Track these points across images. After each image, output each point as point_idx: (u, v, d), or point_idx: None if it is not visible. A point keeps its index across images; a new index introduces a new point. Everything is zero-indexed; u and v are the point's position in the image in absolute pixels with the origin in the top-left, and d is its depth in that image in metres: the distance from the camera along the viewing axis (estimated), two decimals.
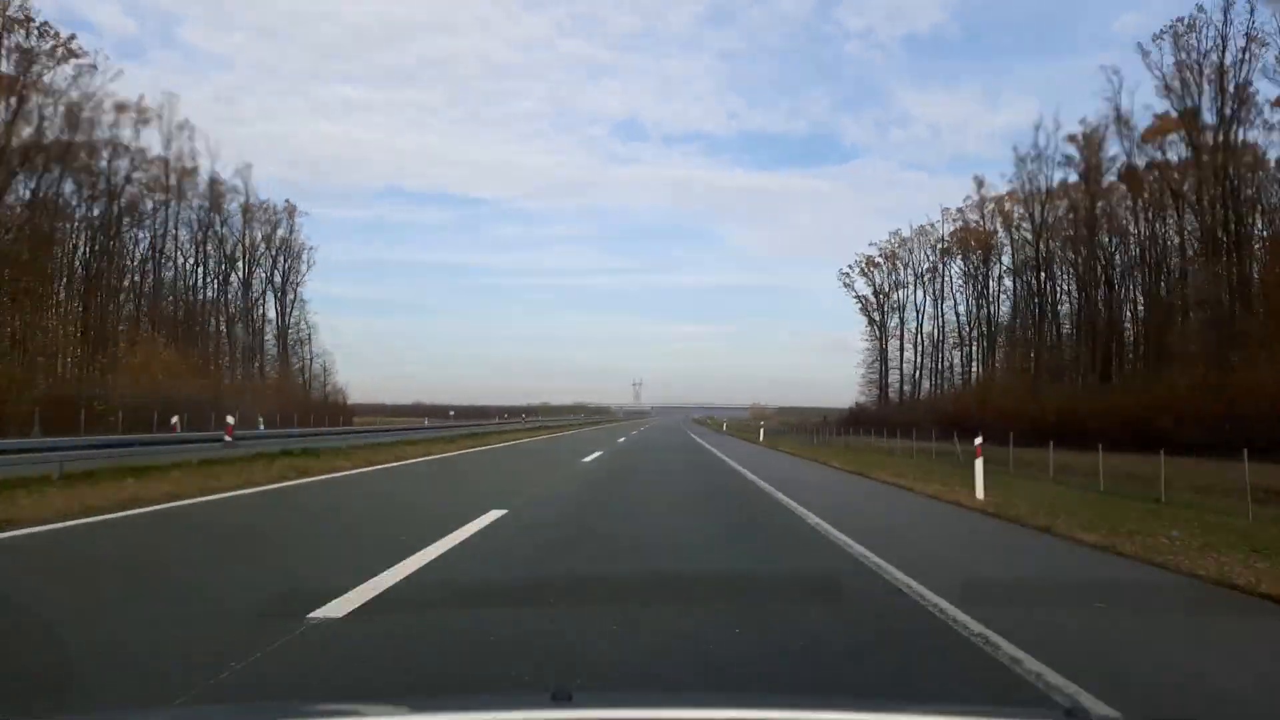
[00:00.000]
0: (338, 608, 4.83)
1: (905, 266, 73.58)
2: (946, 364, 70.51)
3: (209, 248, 53.02)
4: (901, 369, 74.81)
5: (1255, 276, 39.22)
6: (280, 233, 58.66)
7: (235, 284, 55.40)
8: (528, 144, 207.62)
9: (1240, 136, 40.24)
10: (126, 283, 47.28)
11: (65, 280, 41.60)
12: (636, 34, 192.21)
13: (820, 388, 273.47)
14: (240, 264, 55.54)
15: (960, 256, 67.20)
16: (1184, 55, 40.65)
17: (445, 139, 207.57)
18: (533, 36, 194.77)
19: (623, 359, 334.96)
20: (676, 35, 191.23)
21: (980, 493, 13.13)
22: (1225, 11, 39.26)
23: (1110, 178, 48.71)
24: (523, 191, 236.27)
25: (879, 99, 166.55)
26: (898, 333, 74.56)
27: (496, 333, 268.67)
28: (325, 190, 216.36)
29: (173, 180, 48.07)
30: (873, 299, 76.59)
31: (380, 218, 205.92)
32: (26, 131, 35.77)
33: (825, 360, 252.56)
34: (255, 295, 57.11)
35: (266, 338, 58.23)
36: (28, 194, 37.82)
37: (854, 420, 60.67)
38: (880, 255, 75.39)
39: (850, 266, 77.38)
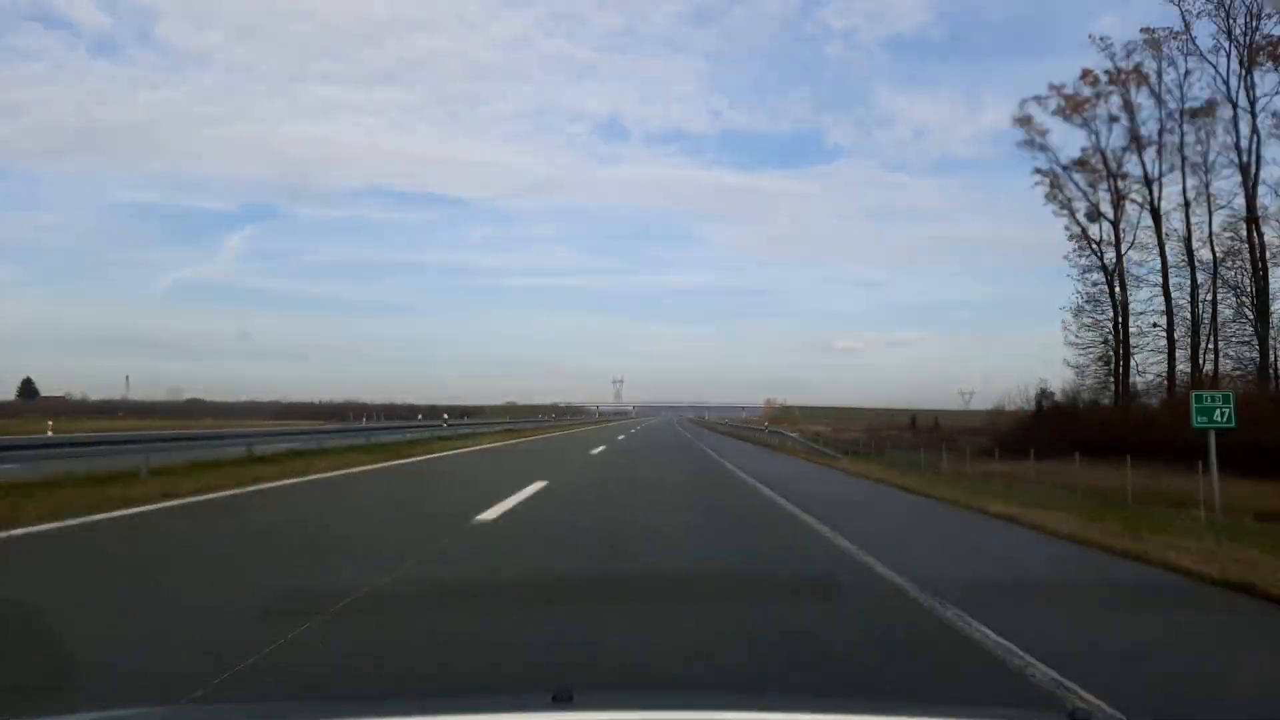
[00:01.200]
0: None
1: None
2: None
3: None
4: (1207, 321, 34.10)
5: None
6: None
7: None
8: (509, 144, 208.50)
9: None
10: None
11: None
12: (619, 33, 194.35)
13: (804, 387, 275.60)
14: None
15: None
16: None
17: (426, 139, 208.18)
18: (514, 36, 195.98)
19: (605, 359, 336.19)
20: (659, 35, 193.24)
21: None
22: None
23: None
24: (504, 191, 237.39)
25: (862, 99, 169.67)
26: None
27: (476, 333, 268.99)
28: (305, 190, 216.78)
29: None
30: (1081, 183, 38.17)
31: (360, 218, 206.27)
32: None
33: (808, 360, 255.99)
34: None
35: None
36: None
37: (1045, 429, 31.14)
38: (1113, 71, 36.09)
39: (1043, 97, 39.28)
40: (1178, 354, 35.15)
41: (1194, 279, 34.91)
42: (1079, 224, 39.08)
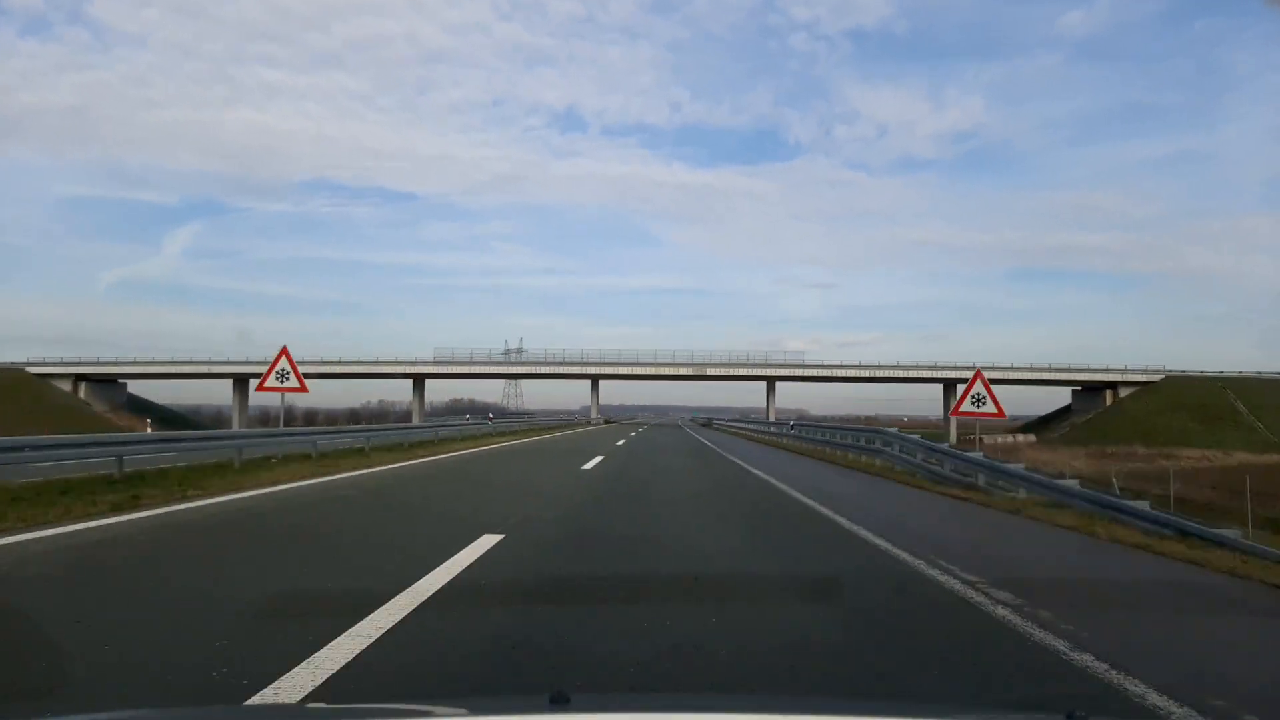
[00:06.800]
0: None
1: None
2: None
3: None
4: None
5: None
6: None
7: None
8: (464, 135, 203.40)
9: None
10: None
11: None
12: (578, 20, 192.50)
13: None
14: None
15: None
16: None
17: (375, 128, 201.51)
18: (468, 20, 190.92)
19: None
20: (619, 23, 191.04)
21: None
22: None
23: None
24: (457, 187, 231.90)
25: (824, 94, 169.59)
26: None
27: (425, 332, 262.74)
28: (248, 182, 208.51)
29: None
30: None
31: (306, 213, 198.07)
32: None
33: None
34: None
35: None
36: None
37: None
38: None
39: None
40: None
41: None
42: None
